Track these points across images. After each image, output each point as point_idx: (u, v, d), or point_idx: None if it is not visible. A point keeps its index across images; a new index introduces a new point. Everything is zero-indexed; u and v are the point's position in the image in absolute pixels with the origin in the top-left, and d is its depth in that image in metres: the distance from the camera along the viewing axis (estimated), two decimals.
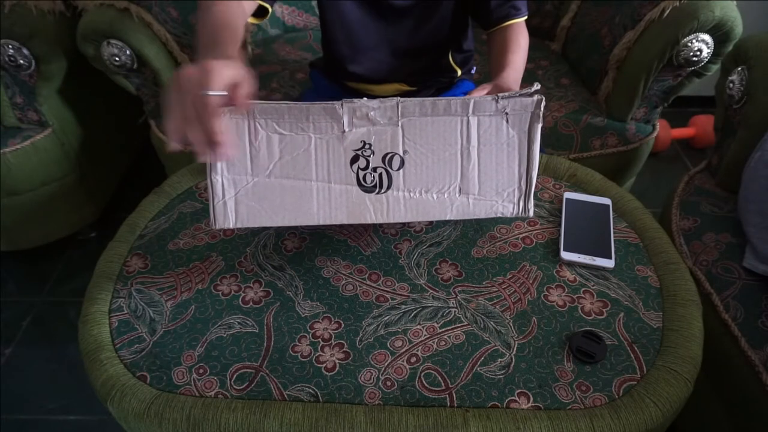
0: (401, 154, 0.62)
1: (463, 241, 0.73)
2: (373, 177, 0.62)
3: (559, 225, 0.74)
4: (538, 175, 0.66)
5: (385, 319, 0.64)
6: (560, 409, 0.55)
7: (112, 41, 1.14)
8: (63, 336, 1.31)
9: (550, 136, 1.19)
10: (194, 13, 1.27)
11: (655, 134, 1.24)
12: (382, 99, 0.60)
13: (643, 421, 0.54)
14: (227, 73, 0.54)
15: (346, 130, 0.60)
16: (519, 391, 0.57)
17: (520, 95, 0.60)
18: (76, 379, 1.21)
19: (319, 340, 0.62)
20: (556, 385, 0.57)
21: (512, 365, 0.59)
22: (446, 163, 0.62)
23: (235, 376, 0.59)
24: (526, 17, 0.87)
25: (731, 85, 0.99)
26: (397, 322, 0.64)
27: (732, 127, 1.00)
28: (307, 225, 0.64)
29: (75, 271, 1.47)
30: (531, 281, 0.68)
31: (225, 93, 0.54)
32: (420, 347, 0.61)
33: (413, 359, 0.60)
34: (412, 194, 0.63)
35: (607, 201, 0.77)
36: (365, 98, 0.60)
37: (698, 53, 1.06)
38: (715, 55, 1.07)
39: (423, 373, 0.59)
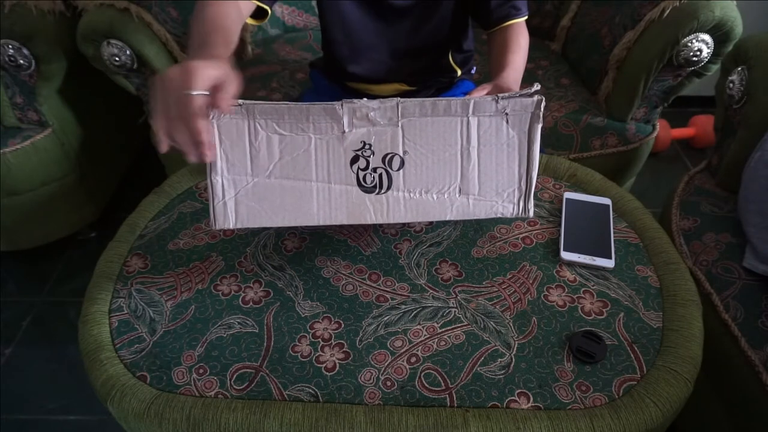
0: (401, 154, 0.62)
1: (463, 241, 0.73)
2: (373, 177, 0.62)
3: (559, 225, 0.74)
4: (538, 175, 0.66)
5: (385, 319, 0.64)
6: (560, 409, 0.55)
7: (112, 41, 1.14)
8: (63, 336, 1.31)
9: (550, 136, 1.19)
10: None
11: (655, 134, 1.24)
12: (382, 99, 0.60)
13: (643, 421, 0.54)
14: (209, 74, 0.54)
15: (346, 130, 0.60)
16: (519, 391, 0.57)
17: (520, 96, 0.60)
18: (76, 379, 1.21)
19: (319, 340, 0.62)
20: (556, 385, 0.57)
21: (512, 365, 0.59)
22: (446, 164, 0.62)
23: (235, 376, 0.59)
24: (526, 17, 0.87)
25: (731, 85, 0.99)
26: (397, 322, 0.64)
27: (732, 127, 1.00)
28: (307, 225, 0.64)
29: (75, 271, 1.48)
30: (531, 281, 0.68)
31: (206, 93, 0.54)
32: (420, 347, 0.61)
33: (413, 359, 0.60)
34: (412, 195, 0.63)
35: (607, 201, 0.77)
36: (365, 99, 0.60)
37: (698, 53, 1.06)
38: (715, 55, 1.07)
39: (423, 373, 0.59)
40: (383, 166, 0.62)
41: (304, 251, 0.72)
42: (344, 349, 0.61)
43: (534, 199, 0.65)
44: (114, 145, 1.58)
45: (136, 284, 0.69)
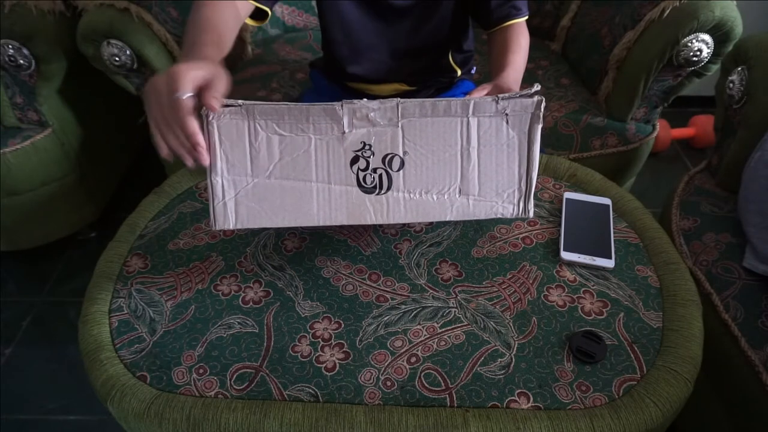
0: (401, 155, 0.62)
1: (463, 241, 0.73)
2: (373, 178, 0.62)
3: (559, 225, 0.74)
4: (538, 175, 0.66)
5: (385, 319, 0.64)
6: (560, 409, 0.55)
7: (112, 41, 1.14)
8: (63, 336, 1.31)
9: (550, 136, 1.19)
10: None
11: (655, 134, 1.24)
12: (382, 100, 0.60)
13: (643, 421, 0.54)
14: (194, 75, 0.55)
15: (346, 131, 0.60)
16: (519, 391, 0.57)
17: (520, 96, 0.60)
18: (76, 379, 1.21)
19: (319, 340, 0.62)
20: (556, 385, 0.57)
21: (512, 365, 0.59)
22: (446, 164, 0.62)
23: (235, 376, 0.59)
24: (526, 17, 0.87)
25: (731, 85, 0.99)
26: (397, 322, 0.64)
27: (732, 127, 1.01)
28: (307, 226, 0.64)
29: (75, 271, 1.48)
30: (531, 281, 0.68)
31: (193, 95, 0.55)
32: (420, 347, 0.61)
33: (413, 359, 0.60)
34: (412, 195, 0.63)
35: (607, 201, 0.77)
36: (365, 99, 0.60)
37: (698, 53, 1.06)
38: (715, 55, 1.07)
39: (423, 373, 0.59)
40: (383, 167, 0.62)
41: (304, 251, 0.72)
42: (344, 349, 0.61)
43: (534, 199, 0.65)
44: (114, 145, 1.58)
45: (136, 284, 0.69)
